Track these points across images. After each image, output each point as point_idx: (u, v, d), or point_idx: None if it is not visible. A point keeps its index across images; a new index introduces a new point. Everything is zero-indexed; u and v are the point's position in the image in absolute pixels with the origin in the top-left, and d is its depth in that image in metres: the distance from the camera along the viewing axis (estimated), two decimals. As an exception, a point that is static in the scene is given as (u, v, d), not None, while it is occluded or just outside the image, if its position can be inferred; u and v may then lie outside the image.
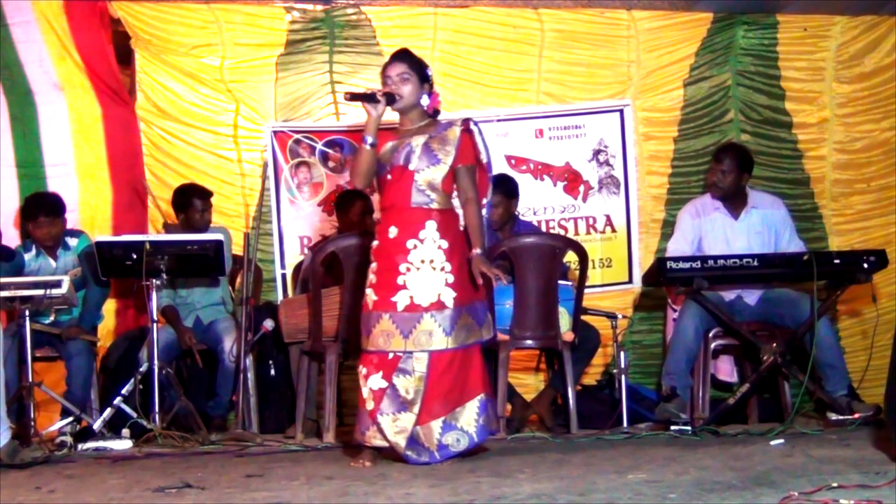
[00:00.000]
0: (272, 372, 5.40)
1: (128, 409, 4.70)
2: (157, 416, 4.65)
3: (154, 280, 4.71)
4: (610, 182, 6.21)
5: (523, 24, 6.17)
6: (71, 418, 4.79)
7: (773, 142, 6.31)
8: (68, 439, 4.52)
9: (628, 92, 6.25)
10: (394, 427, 3.61)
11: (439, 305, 3.67)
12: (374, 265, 3.75)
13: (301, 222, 6.05)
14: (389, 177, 3.74)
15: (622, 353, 5.00)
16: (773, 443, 3.92)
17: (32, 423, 4.57)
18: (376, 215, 3.85)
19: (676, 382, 4.79)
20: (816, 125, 6.35)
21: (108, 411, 4.75)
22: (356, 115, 6.09)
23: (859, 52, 6.35)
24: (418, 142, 3.75)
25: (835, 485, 2.59)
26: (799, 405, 4.78)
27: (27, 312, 4.62)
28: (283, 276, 5.98)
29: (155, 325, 4.75)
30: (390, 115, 3.81)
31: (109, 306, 5.55)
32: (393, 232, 3.72)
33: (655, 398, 5.21)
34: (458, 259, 3.72)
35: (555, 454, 3.86)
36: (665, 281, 4.80)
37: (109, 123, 5.74)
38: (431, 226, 3.72)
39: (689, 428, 4.46)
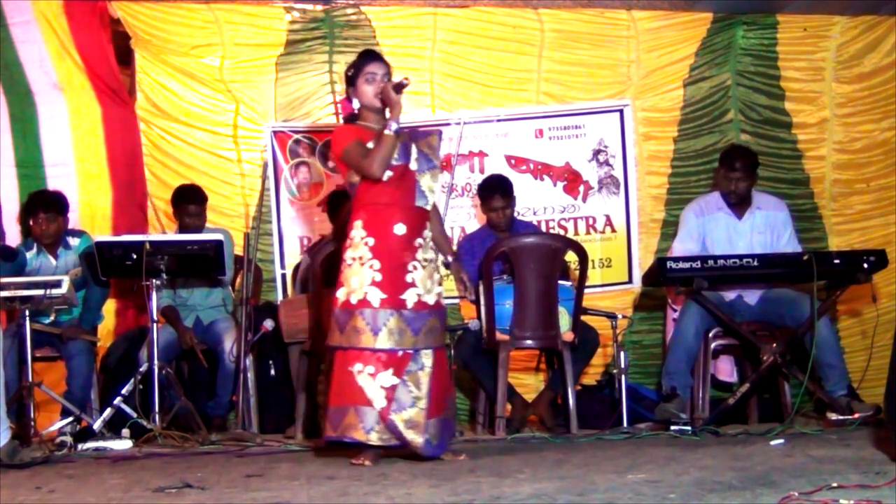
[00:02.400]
0: (272, 372, 5.40)
1: (128, 409, 4.70)
2: (157, 416, 4.65)
3: (154, 280, 4.71)
4: (610, 182, 6.21)
5: (523, 24, 6.17)
6: (71, 418, 4.79)
7: (773, 142, 6.31)
8: (68, 439, 4.51)
9: (628, 92, 6.25)
10: (406, 423, 3.63)
11: (439, 304, 3.79)
12: (375, 262, 3.67)
13: (301, 222, 6.05)
14: (391, 173, 3.71)
15: (622, 353, 5.01)
16: (773, 443, 3.92)
17: (32, 423, 4.58)
18: (361, 214, 3.75)
19: (676, 382, 4.79)
20: (816, 125, 6.36)
21: (108, 411, 4.74)
22: (356, 115, 6.10)
23: (859, 52, 6.35)
24: (409, 142, 3.79)
25: (835, 485, 2.59)
26: (799, 405, 4.78)
27: (27, 312, 4.62)
28: (283, 276, 5.98)
29: (155, 325, 4.75)
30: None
31: (109, 306, 5.56)
32: (401, 229, 3.71)
33: (655, 398, 5.21)
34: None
35: (555, 454, 3.86)
36: (665, 281, 4.81)
37: (109, 123, 5.74)
38: (428, 226, 3.80)
39: (689, 428, 4.46)
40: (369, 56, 3.86)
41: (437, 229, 3.90)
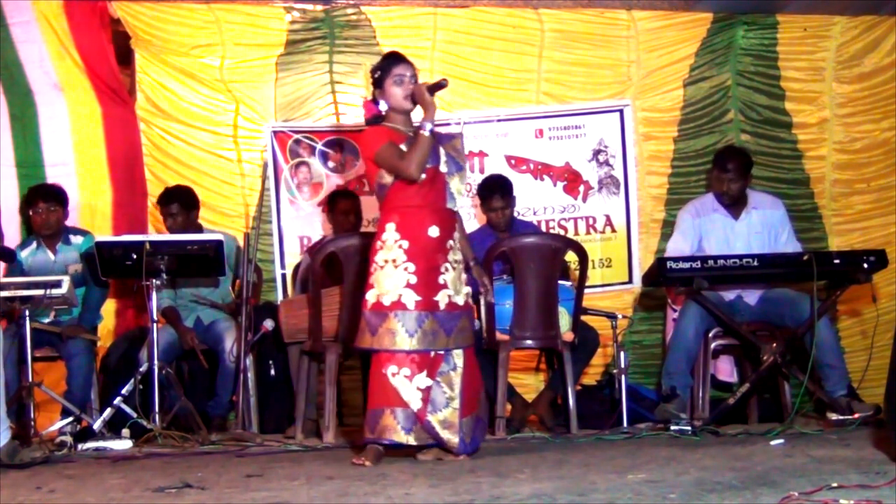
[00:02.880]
0: (272, 372, 5.40)
1: (128, 409, 4.70)
2: (157, 416, 4.65)
3: (154, 280, 4.71)
4: (610, 182, 6.21)
5: (523, 24, 6.17)
6: (71, 418, 4.78)
7: (773, 142, 6.31)
8: (68, 439, 4.51)
9: (628, 92, 6.25)
10: (442, 424, 3.66)
11: (467, 304, 3.83)
12: (410, 265, 3.68)
13: (301, 222, 6.05)
14: (423, 175, 3.72)
15: (622, 354, 5.00)
16: (773, 443, 3.92)
17: (32, 424, 4.58)
18: (393, 216, 3.74)
19: (676, 382, 4.80)
20: (816, 125, 6.36)
21: (108, 411, 4.74)
22: (356, 115, 6.10)
23: (859, 52, 6.35)
24: (437, 145, 3.80)
25: (835, 485, 2.59)
26: (799, 405, 4.79)
27: (27, 312, 4.62)
28: (283, 276, 5.98)
29: (155, 325, 4.75)
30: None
31: (109, 306, 5.56)
32: (435, 231, 3.73)
33: (655, 398, 5.21)
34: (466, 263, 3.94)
35: (555, 454, 3.86)
36: (665, 281, 4.81)
37: (109, 123, 5.74)
38: (456, 228, 3.84)
39: (688, 428, 4.46)
40: (396, 58, 3.86)
41: (461, 232, 3.93)
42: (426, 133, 3.66)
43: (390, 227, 3.74)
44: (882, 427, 3.90)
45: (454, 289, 3.75)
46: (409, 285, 3.68)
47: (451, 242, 3.78)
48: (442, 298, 3.71)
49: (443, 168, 3.80)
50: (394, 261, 3.71)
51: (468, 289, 3.85)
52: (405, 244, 3.71)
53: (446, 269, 3.74)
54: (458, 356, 3.77)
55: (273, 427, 5.19)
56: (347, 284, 4.67)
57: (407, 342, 3.66)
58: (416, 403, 3.65)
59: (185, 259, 4.79)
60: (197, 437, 4.61)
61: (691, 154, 6.28)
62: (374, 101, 3.86)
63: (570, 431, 4.75)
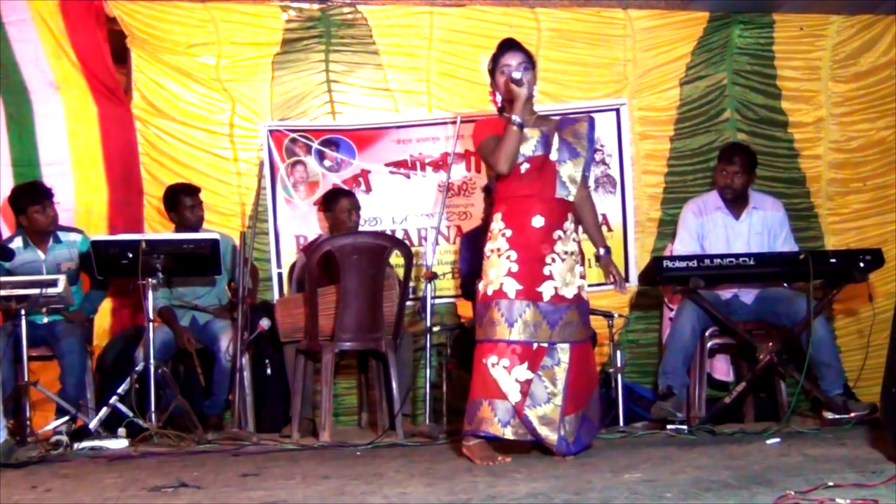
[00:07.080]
0: (268, 371, 5.39)
1: (124, 409, 4.70)
2: (153, 416, 4.65)
3: (150, 279, 4.71)
4: (606, 181, 6.21)
5: (519, 24, 6.16)
6: (66, 417, 4.78)
7: (769, 141, 6.31)
8: (64, 438, 4.51)
9: (624, 91, 6.25)
10: (541, 420, 3.61)
11: (579, 297, 3.77)
12: (513, 253, 3.67)
13: (297, 221, 6.04)
14: (528, 165, 3.71)
15: (618, 353, 5.01)
16: (769, 442, 3.93)
17: (28, 423, 4.57)
18: (501, 207, 3.75)
19: (673, 381, 4.80)
20: (812, 124, 6.36)
21: (104, 410, 4.74)
22: (352, 114, 6.10)
23: (855, 52, 6.36)
24: (552, 132, 3.77)
25: (831, 483, 2.60)
26: (795, 404, 4.79)
27: (23, 311, 4.61)
28: (280, 275, 5.97)
29: (151, 324, 4.74)
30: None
31: (105, 305, 5.55)
32: (539, 221, 3.69)
33: (652, 397, 5.21)
34: (582, 254, 3.86)
35: (551, 453, 3.86)
36: (661, 280, 4.81)
37: (105, 122, 5.73)
38: (571, 218, 3.80)
39: (685, 427, 4.47)
40: (504, 47, 3.81)
41: (590, 221, 3.91)
42: (511, 126, 3.62)
43: (497, 217, 3.76)
44: (878, 426, 3.90)
45: (562, 281, 3.69)
46: (510, 273, 3.66)
47: (559, 233, 3.73)
48: (546, 290, 3.66)
49: (553, 156, 3.75)
50: (498, 250, 3.70)
51: (583, 281, 3.78)
52: (508, 233, 3.70)
53: (553, 260, 3.69)
54: (563, 351, 3.68)
55: (269, 426, 5.19)
56: (344, 283, 4.67)
57: (507, 332, 3.61)
58: (514, 396, 3.60)
59: (181, 258, 4.78)
60: (193, 436, 4.61)
61: (687, 153, 6.28)
62: (494, 94, 3.83)
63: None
